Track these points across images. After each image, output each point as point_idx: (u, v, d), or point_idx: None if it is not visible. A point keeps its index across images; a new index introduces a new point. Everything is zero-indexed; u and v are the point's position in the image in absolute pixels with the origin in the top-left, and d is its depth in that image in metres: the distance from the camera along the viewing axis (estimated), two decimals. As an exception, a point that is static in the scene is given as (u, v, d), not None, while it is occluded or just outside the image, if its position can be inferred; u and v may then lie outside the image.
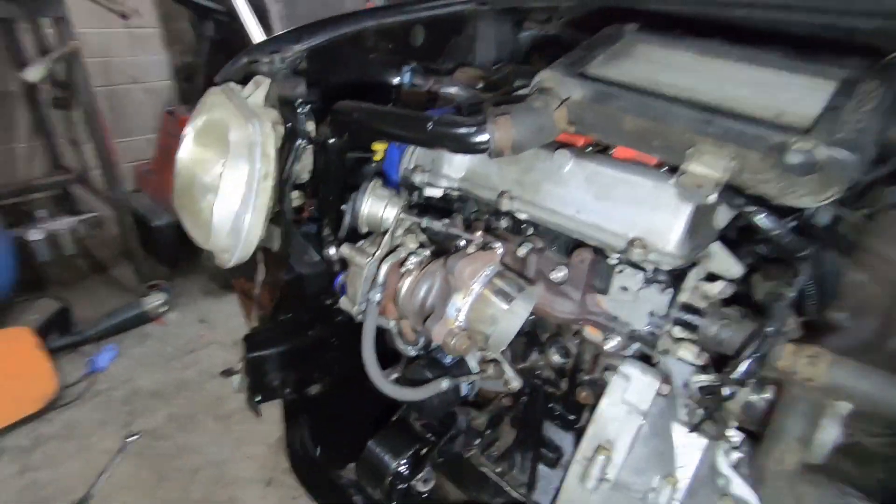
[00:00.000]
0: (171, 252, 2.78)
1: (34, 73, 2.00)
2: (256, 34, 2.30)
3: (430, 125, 0.69)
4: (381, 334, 1.16)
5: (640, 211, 0.67)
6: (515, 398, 0.92)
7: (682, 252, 0.65)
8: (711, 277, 0.74)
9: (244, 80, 0.98)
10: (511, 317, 0.65)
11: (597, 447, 0.74)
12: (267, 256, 1.02)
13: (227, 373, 1.14)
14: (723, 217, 0.74)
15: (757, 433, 0.78)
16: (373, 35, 1.18)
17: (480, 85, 1.26)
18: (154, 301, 2.49)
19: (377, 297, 0.71)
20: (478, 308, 0.66)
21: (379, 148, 0.93)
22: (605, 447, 0.73)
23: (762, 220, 0.61)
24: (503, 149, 0.66)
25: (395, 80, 1.19)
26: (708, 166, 0.62)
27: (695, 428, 0.75)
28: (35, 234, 2.40)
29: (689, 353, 0.69)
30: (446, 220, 0.76)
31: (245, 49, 1.01)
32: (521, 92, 1.07)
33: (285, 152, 0.84)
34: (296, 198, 0.96)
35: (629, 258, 0.65)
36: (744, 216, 0.65)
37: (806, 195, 0.56)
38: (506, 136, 0.66)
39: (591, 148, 0.79)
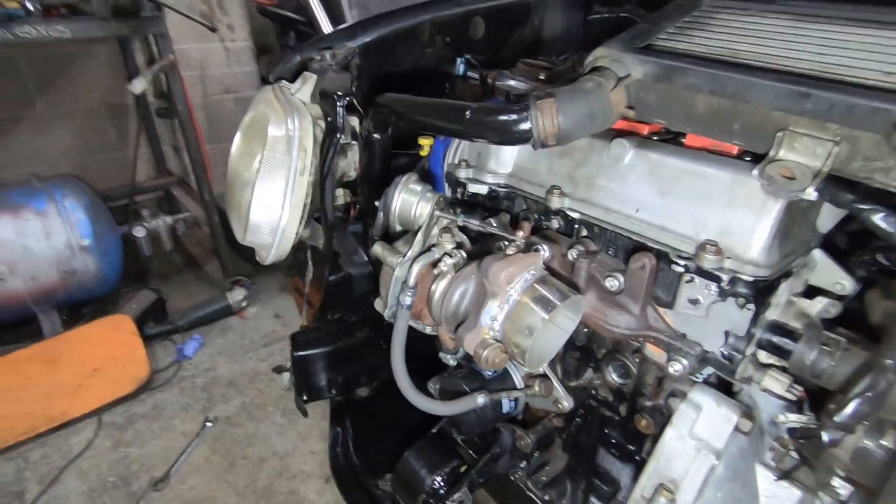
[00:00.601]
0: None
1: (138, 86, 2.20)
2: (331, 40, 2.37)
3: (468, 113, 0.63)
4: (431, 340, 1.11)
5: (715, 209, 0.56)
6: (567, 419, 0.82)
7: (768, 260, 0.53)
8: (811, 292, 0.60)
9: (296, 78, 0.99)
10: (552, 328, 0.56)
11: (658, 486, 0.63)
12: (315, 255, 1.01)
13: (279, 369, 1.15)
14: (828, 218, 0.60)
15: (871, 488, 0.62)
16: (429, 29, 1.14)
17: (542, 76, 1.17)
18: (237, 296, 2.65)
19: (407, 300, 0.66)
20: (515, 317, 0.58)
21: (425, 143, 0.89)
22: (667, 488, 0.62)
23: (880, 220, 0.47)
24: (548, 137, 0.58)
25: (451, 73, 1.14)
26: (804, 153, 0.49)
27: (785, 475, 0.62)
28: (140, 232, 2.65)
29: (777, 383, 0.56)
30: (486, 219, 0.69)
31: (294, 49, 1.01)
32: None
33: (326, 147, 0.81)
34: (342, 196, 0.94)
35: (700, 265, 0.54)
36: (856, 216, 0.51)
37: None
38: (551, 123, 0.57)
39: (656, 137, 0.69)
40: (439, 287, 0.65)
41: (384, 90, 1.06)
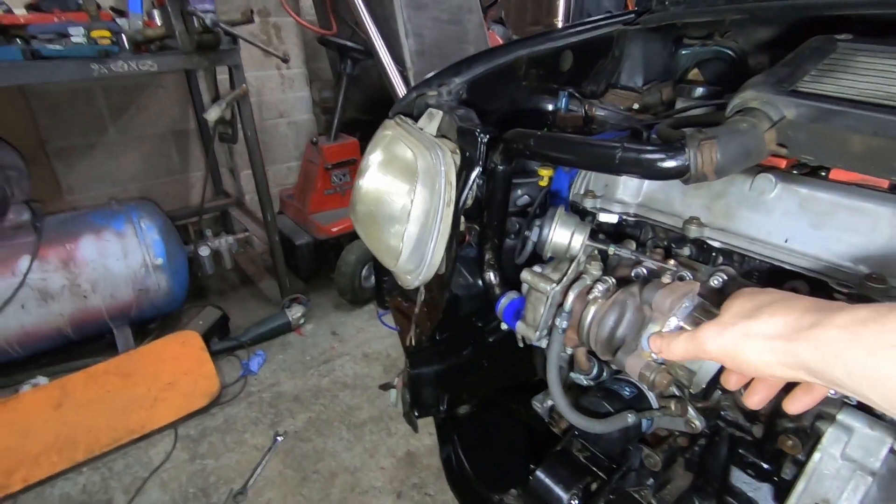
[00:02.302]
0: (308, 268, 3.06)
1: (213, 114, 2.33)
2: (392, 68, 2.47)
3: (618, 152, 0.68)
4: (530, 357, 1.15)
5: (875, 241, 0.60)
6: (692, 439, 0.85)
7: (935, 289, 0.56)
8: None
9: (413, 114, 1.06)
10: (717, 353, 0.60)
11: (811, 505, 0.65)
12: (430, 279, 1.06)
13: (386, 386, 1.20)
14: (976, 248, 0.63)
15: None
16: (525, 63, 1.21)
17: (636, 106, 1.23)
18: (295, 313, 2.74)
19: (564, 324, 0.70)
20: (679, 342, 0.62)
21: (545, 174, 0.94)
22: (822, 506, 0.65)
23: None
24: (706, 174, 0.63)
25: (550, 106, 1.20)
26: (973, 190, 0.53)
27: (939, 497, 0.64)
28: (204, 251, 2.77)
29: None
30: (634, 249, 0.74)
31: (412, 86, 1.09)
32: (692, 112, 1.03)
33: (461, 180, 0.87)
34: (462, 223, 1.00)
35: (865, 294, 0.58)
36: None
37: None
38: (710, 160, 0.62)
39: (795, 170, 0.73)
40: (591, 312, 0.70)
41: (492, 123, 1.13)
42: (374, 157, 0.94)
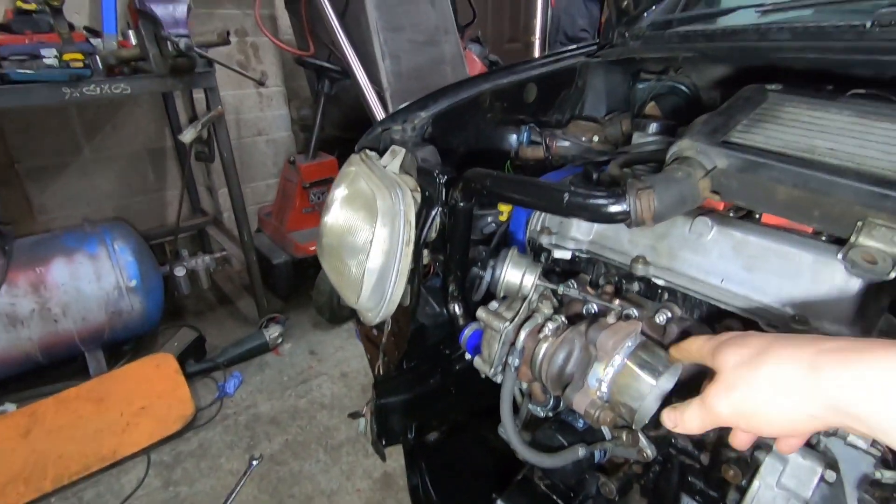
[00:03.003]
0: (286, 287, 3.05)
1: (188, 136, 2.34)
2: (368, 89, 2.51)
3: (566, 196, 0.71)
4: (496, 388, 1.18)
5: (800, 284, 0.64)
6: (646, 466, 0.88)
7: (854, 330, 0.60)
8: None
9: (378, 148, 1.09)
10: (658, 392, 0.63)
11: (751, 533, 0.69)
12: (396, 310, 1.09)
13: (354, 415, 1.21)
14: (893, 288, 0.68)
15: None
16: (489, 97, 1.25)
17: (596, 138, 1.27)
18: (273, 332, 2.73)
19: (516, 362, 0.73)
20: (622, 381, 0.65)
21: (505, 209, 0.97)
22: (760, 534, 0.68)
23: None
24: (644, 220, 0.67)
25: (513, 139, 1.24)
26: (882, 240, 0.57)
27: (869, 524, 0.67)
28: (180, 271, 2.75)
29: (861, 439, 0.63)
30: (581, 287, 0.78)
31: (378, 121, 1.12)
32: (646, 148, 1.07)
33: (422, 218, 0.90)
34: (426, 256, 1.02)
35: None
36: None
37: None
38: (648, 207, 0.66)
39: (732, 213, 0.77)
40: (542, 349, 0.73)
41: (456, 156, 1.17)
42: (339, 193, 0.96)
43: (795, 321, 0.62)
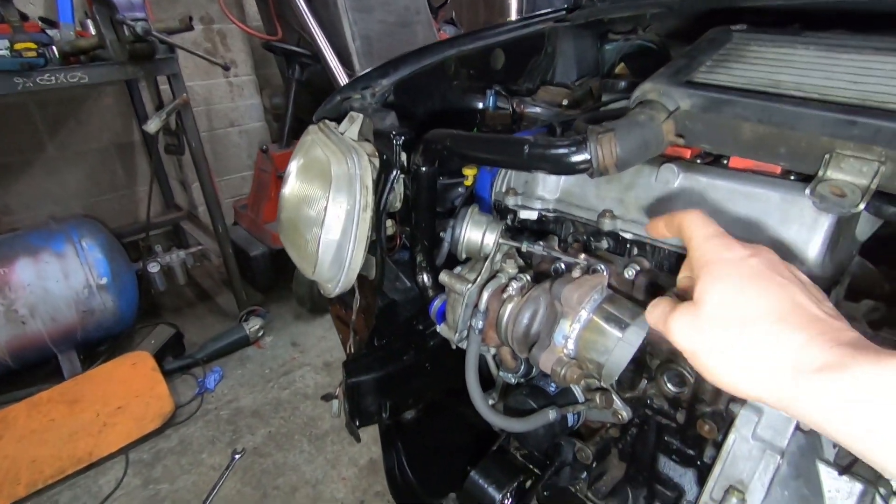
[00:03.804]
0: (265, 279, 2.99)
1: (153, 126, 2.26)
2: (339, 72, 2.44)
3: (526, 148, 0.68)
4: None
5: (769, 226, 0.61)
6: (623, 429, 0.86)
7: (822, 271, 0.58)
8: (854, 296, 0.65)
9: (339, 117, 1.04)
10: (625, 345, 0.61)
11: (727, 488, 0.66)
12: (362, 284, 1.05)
13: (327, 397, 1.18)
14: (866, 227, 0.65)
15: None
16: (454, 63, 1.21)
17: (565, 102, 1.24)
18: (253, 326, 2.67)
19: (480, 324, 0.70)
20: (588, 336, 0.62)
21: (469, 173, 0.94)
22: (737, 488, 0.66)
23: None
24: (607, 167, 0.63)
25: (479, 105, 1.20)
26: (850, 172, 0.55)
27: (845, 470, 0.65)
28: (154, 267, 2.67)
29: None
30: (546, 244, 0.74)
31: (337, 89, 1.07)
32: (614, 105, 1.04)
33: (381, 183, 0.86)
34: (388, 227, 0.98)
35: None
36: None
37: None
38: (610, 154, 0.62)
39: (699, 159, 0.74)
40: (507, 310, 0.69)
41: (421, 124, 1.12)
42: (295, 164, 0.91)
43: (764, 263, 0.59)
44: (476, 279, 0.70)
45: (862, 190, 0.53)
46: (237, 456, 2.03)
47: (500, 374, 0.84)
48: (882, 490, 0.65)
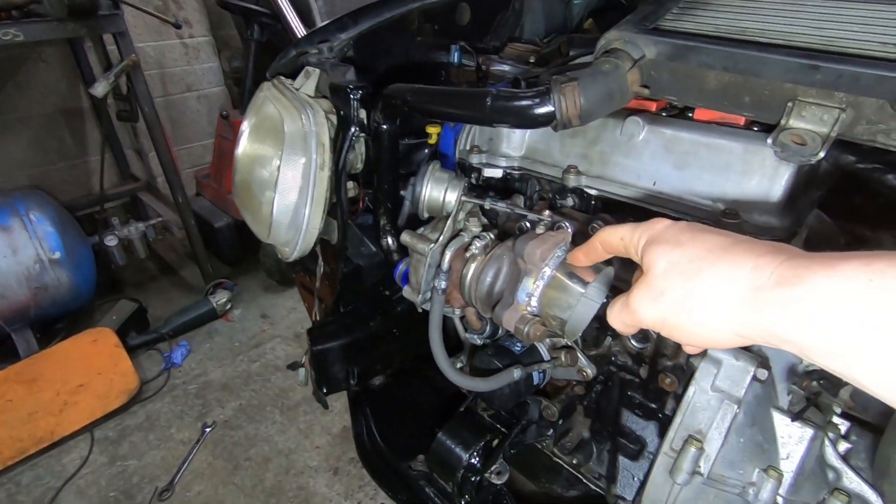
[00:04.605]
0: (232, 251, 2.90)
1: (100, 89, 2.11)
2: (300, 31, 2.32)
3: (489, 100, 0.65)
4: (443, 323, 1.14)
5: (731, 178, 0.61)
6: (588, 386, 0.87)
7: (782, 222, 0.58)
8: (812, 249, 0.66)
9: (294, 74, 0.98)
10: (587, 301, 0.60)
11: (686, 438, 0.68)
12: (325, 249, 1.01)
13: (294, 366, 1.16)
14: (824, 179, 0.65)
15: (868, 421, 0.70)
16: (417, 18, 1.15)
17: (532, 59, 1.20)
18: (220, 299, 2.60)
19: (443, 284, 0.68)
20: (551, 293, 0.61)
21: (433, 131, 0.90)
22: (696, 438, 0.67)
23: (883, 177, 0.53)
24: (571, 119, 0.61)
25: (444, 61, 1.15)
26: (812, 121, 0.54)
27: (797, 416, 0.68)
28: (111, 241, 2.55)
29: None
30: (510, 201, 0.72)
31: (293, 42, 1.00)
32: (580, 60, 1.01)
33: (339, 141, 0.82)
34: (350, 189, 0.95)
35: (720, 230, 0.59)
36: (856, 175, 0.56)
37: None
38: (574, 104, 0.60)
39: (664, 112, 0.73)
40: (471, 269, 0.68)
41: (383, 81, 1.07)
42: (247, 123, 0.86)
43: (725, 215, 0.58)
44: (438, 238, 0.68)
45: (822, 138, 0.53)
46: (207, 429, 2.00)
47: (467, 335, 0.83)
48: (831, 434, 0.68)
